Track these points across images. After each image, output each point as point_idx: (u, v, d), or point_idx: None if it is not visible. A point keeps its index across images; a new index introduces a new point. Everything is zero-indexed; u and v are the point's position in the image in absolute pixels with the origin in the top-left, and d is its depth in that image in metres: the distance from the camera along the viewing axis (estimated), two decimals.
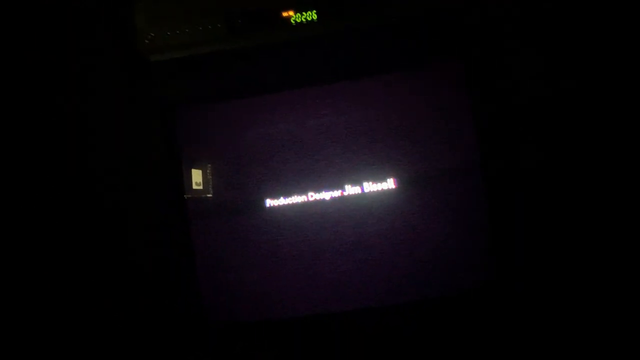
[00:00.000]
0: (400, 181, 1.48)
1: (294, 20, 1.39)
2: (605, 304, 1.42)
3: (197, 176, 1.51)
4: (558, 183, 1.45)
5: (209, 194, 1.52)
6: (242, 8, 1.39)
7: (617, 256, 1.42)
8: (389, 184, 1.48)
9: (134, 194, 1.54)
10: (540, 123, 1.46)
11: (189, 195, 1.51)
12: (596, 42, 1.44)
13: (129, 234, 1.55)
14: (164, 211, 1.53)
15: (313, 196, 1.50)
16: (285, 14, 1.39)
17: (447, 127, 1.48)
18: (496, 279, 1.46)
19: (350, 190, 1.49)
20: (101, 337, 1.54)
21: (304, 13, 1.39)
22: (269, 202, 1.51)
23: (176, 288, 1.54)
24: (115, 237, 1.56)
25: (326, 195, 1.50)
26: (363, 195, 1.49)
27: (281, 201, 1.51)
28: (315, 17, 1.39)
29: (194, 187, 1.50)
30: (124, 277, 1.56)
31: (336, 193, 1.50)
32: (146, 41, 1.41)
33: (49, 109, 1.55)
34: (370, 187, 1.49)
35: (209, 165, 1.52)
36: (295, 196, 1.51)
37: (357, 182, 1.49)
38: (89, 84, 1.54)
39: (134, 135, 1.54)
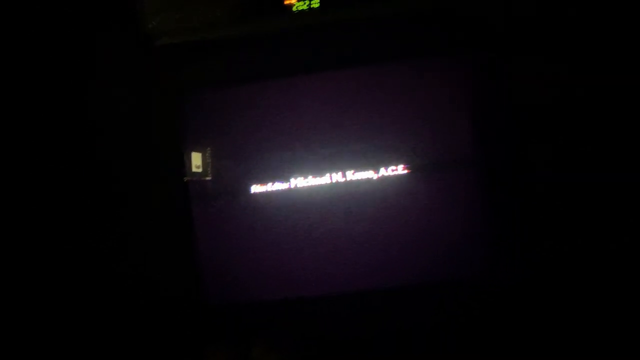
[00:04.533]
0: (398, 170, 1.52)
1: (296, 9, 1.43)
2: (601, 298, 1.45)
3: (197, 159, 1.53)
4: (557, 177, 1.49)
5: (208, 177, 1.54)
6: None
7: (615, 249, 1.46)
8: (387, 172, 1.52)
9: (137, 177, 1.57)
10: (542, 121, 1.50)
11: (189, 178, 1.53)
12: (602, 45, 1.48)
13: (131, 216, 1.58)
14: (166, 193, 1.55)
15: (313, 181, 1.53)
16: (287, 2, 1.43)
17: (447, 119, 1.51)
18: (491, 269, 1.49)
19: (350, 176, 1.52)
20: (101, 322, 1.56)
21: (306, 1, 1.43)
22: (270, 186, 1.54)
23: (177, 270, 1.56)
24: (116, 220, 1.58)
25: (326, 180, 1.53)
26: (363, 181, 1.52)
27: (282, 185, 1.53)
28: (317, 4, 1.42)
29: (194, 169, 1.53)
30: (125, 260, 1.58)
31: (336, 178, 1.53)
32: (151, 25, 1.44)
33: (54, 95, 1.58)
34: (367, 174, 1.52)
35: (209, 148, 1.54)
36: (296, 180, 1.53)
37: (357, 168, 1.52)
38: (93, 67, 1.57)
39: (137, 119, 1.57)
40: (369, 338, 1.52)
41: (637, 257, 1.45)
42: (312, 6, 1.42)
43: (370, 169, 1.52)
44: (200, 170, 1.53)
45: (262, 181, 1.53)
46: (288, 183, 1.53)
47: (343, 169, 1.52)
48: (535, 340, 1.46)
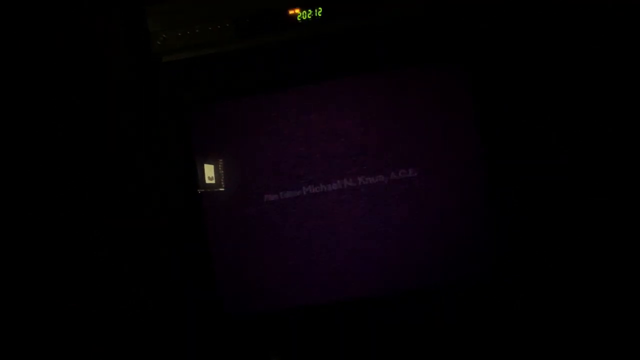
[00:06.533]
0: (401, 175, 1.54)
1: (300, 18, 1.44)
2: (603, 299, 1.46)
3: (209, 171, 1.55)
4: (558, 179, 1.51)
5: (221, 187, 1.56)
6: (249, 8, 1.45)
7: (615, 250, 1.47)
8: (393, 176, 1.54)
9: (151, 189, 1.59)
10: (542, 124, 1.52)
11: (203, 190, 1.56)
12: (595, 46, 1.50)
13: (146, 229, 1.60)
14: (180, 205, 1.58)
15: (325, 187, 1.55)
16: (291, 12, 1.44)
17: (453, 123, 1.53)
18: (494, 271, 1.51)
19: (361, 181, 1.54)
20: (119, 330, 1.59)
21: (309, 11, 1.44)
22: (281, 194, 1.56)
23: (192, 280, 1.59)
24: (132, 233, 1.60)
25: (337, 186, 1.55)
26: (373, 186, 1.54)
27: (292, 193, 1.55)
28: (320, 14, 1.44)
29: (207, 181, 1.55)
30: (142, 271, 1.60)
31: (347, 184, 1.55)
32: (158, 43, 1.46)
33: (69, 112, 1.61)
34: (375, 179, 1.54)
35: (221, 160, 1.57)
36: (307, 187, 1.55)
37: (367, 173, 1.54)
38: (105, 85, 1.60)
39: (148, 135, 1.60)
40: (385, 341, 1.54)
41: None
42: (316, 15, 1.43)
43: (380, 174, 1.53)
44: (213, 181, 1.55)
45: (275, 190, 1.56)
46: (300, 190, 1.55)
47: (353, 174, 1.54)
48: (542, 342, 1.48)
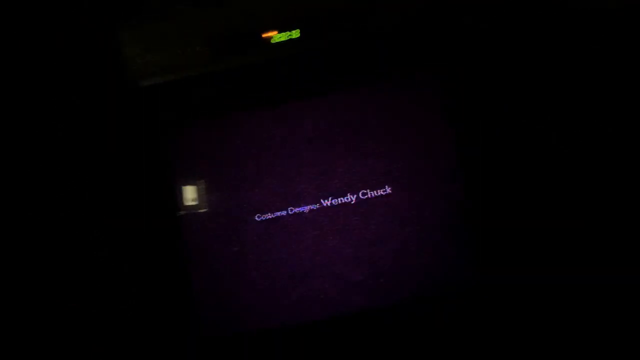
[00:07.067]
0: (385, 190, 1.53)
1: (276, 40, 1.41)
2: (603, 299, 1.45)
3: (190, 193, 1.56)
4: (557, 180, 1.48)
5: (201, 209, 1.56)
6: (225, 30, 1.43)
7: (615, 250, 1.45)
8: (385, 190, 1.53)
9: (131, 212, 1.61)
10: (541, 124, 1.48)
11: (183, 212, 1.56)
12: (595, 46, 1.45)
13: (127, 251, 1.63)
14: (160, 228, 1.59)
15: (305, 207, 1.54)
16: (267, 35, 1.41)
17: (429, 137, 1.52)
18: (478, 280, 1.51)
19: (341, 199, 1.53)
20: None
21: (286, 32, 1.41)
22: (262, 215, 1.55)
23: (172, 302, 1.61)
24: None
25: (319, 205, 1.54)
26: (353, 204, 1.53)
27: (274, 214, 1.55)
28: (297, 35, 1.41)
29: (188, 203, 1.56)
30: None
31: (330, 203, 1.54)
32: (134, 67, 1.46)
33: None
34: (364, 195, 1.53)
35: (202, 181, 1.56)
36: (287, 208, 1.54)
37: (344, 192, 1.53)
38: (81, 113, 1.62)
39: (128, 160, 1.60)
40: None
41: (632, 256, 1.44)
42: (292, 37, 1.40)
43: (359, 191, 1.52)
44: (193, 203, 1.56)
45: (257, 210, 1.55)
46: (283, 211, 1.54)
47: (342, 191, 1.53)
48: (542, 342, 1.47)
